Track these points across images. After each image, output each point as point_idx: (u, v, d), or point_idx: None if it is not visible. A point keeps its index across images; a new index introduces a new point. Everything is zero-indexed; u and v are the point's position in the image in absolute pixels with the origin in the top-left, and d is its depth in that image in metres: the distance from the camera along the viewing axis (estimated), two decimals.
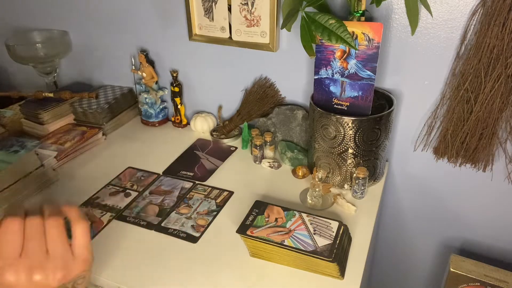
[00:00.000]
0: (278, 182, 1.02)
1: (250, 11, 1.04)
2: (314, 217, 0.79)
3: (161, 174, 1.06)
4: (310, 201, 0.93)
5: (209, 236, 0.85)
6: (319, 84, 0.94)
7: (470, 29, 0.87)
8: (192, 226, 0.88)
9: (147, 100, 1.27)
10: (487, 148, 0.94)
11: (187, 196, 0.97)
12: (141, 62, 1.22)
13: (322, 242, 0.73)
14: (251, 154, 1.12)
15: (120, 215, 0.91)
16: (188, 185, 1.01)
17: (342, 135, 0.90)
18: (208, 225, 0.88)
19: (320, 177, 0.91)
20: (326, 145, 0.94)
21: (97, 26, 1.30)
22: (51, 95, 1.25)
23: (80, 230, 0.49)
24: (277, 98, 1.14)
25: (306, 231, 0.76)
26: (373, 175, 0.98)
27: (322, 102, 0.95)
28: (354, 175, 0.93)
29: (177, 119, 1.29)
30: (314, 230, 0.76)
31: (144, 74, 1.23)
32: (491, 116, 0.89)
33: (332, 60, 0.89)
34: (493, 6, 0.80)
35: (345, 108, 0.93)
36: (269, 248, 0.76)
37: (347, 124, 0.88)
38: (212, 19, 1.10)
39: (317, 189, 0.92)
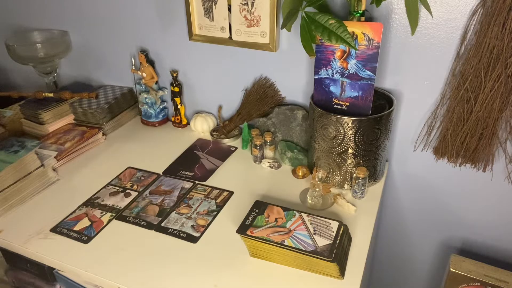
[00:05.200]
0: (278, 182, 1.02)
1: (250, 11, 1.04)
2: (314, 217, 0.79)
3: (161, 174, 1.06)
4: (310, 201, 0.93)
5: (209, 236, 0.85)
6: (319, 84, 0.94)
7: (470, 29, 0.87)
8: (192, 226, 0.88)
9: (147, 100, 1.27)
10: (487, 148, 0.94)
11: (187, 196, 0.97)
12: (141, 62, 1.22)
13: (322, 242, 0.73)
14: (251, 154, 1.12)
15: (120, 215, 0.91)
16: (188, 185, 1.01)
17: (342, 135, 0.90)
18: (208, 225, 0.88)
19: (320, 177, 0.91)
20: (326, 145, 0.94)
21: (97, 26, 1.30)
22: (51, 95, 1.25)
23: None
24: (277, 98, 1.14)
25: (306, 231, 0.76)
26: (373, 175, 0.98)
27: (322, 102, 0.95)
28: (354, 175, 0.93)
29: (177, 119, 1.29)
30: (314, 230, 0.76)
31: (144, 74, 1.23)
32: (491, 116, 0.89)
33: (332, 60, 0.89)
34: (493, 6, 0.80)
35: (345, 108, 0.93)
36: (269, 248, 0.76)
37: (347, 124, 0.88)
38: (212, 19, 1.10)
39: (317, 189, 0.92)
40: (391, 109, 0.91)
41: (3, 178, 0.91)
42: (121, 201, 0.96)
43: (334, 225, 0.77)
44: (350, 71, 0.88)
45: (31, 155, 0.97)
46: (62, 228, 0.88)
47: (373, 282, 1.38)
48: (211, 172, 1.06)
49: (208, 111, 1.29)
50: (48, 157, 1.04)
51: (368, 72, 0.86)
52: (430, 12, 0.89)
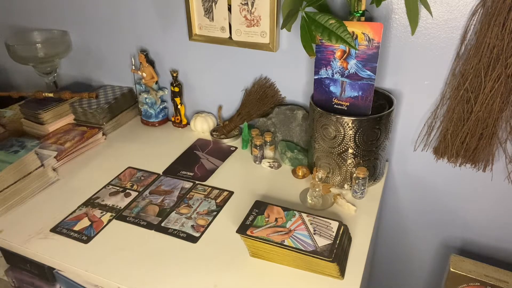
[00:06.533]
0: (278, 182, 1.02)
1: (250, 11, 1.04)
2: (314, 217, 0.79)
3: (161, 174, 1.06)
4: (310, 201, 0.93)
5: (209, 236, 0.85)
6: (319, 84, 0.94)
7: (470, 29, 0.87)
8: (192, 226, 0.88)
9: (147, 100, 1.27)
10: (487, 148, 0.94)
11: (187, 196, 0.97)
12: (141, 62, 1.22)
13: (322, 242, 0.73)
14: (251, 154, 1.12)
15: (120, 215, 0.91)
16: (188, 185, 1.01)
17: (342, 135, 0.90)
18: (208, 225, 0.88)
19: (320, 177, 0.91)
20: (326, 145, 0.94)
21: (97, 26, 1.30)
22: (51, 95, 1.25)
23: None
24: (277, 98, 1.14)
25: (306, 231, 0.76)
26: (373, 175, 0.98)
27: (322, 102, 0.95)
28: (354, 175, 0.93)
29: (177, 119, 1.29)
30: (314, 230, 0.76)
31: (144, 74, 1.23)
32: (491, 116, 0.89)
33: (332, 60, 0.89)
34: (493, 6, 0.80)
35: (345, 108, 0.93)
36: (269, 248, 0.76)
37: (347, 124, 0.88)
38: (212, 19, 1.10)
39: (317, 189, 0.92)
40: (391, 109, 0.91)
41: (3, 178, 0.91)
42: (121, 201, 0.96)
43: (334, 225, 0.77)
44: (350, 71, 0.88)
45: (31, 155, 0.97)
46: (62, 228, 0.88)
47: (373, 282, 1.38)
48: (211, 172, 1.06)
49: (208, 111, 1.29)
50: (48, 157, 1.04)
51: (368, 72, 0.86)
52: (430, 12, 0.89)
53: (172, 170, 1.07)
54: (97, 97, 1.28)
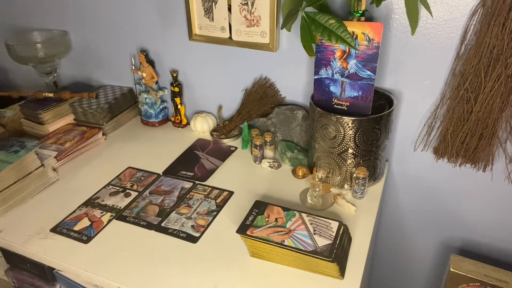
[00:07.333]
0: (278, 182, 1.02)
1: (250, 11, 1.04)
2: (314, 217, 0.79)
3: (161, 174, 1.06)
4: (310, 201, 0.93)
5: (209, 236, 0.85)
6: (319, 84, 0.94)
7: (470, 29, 0.87)
8: (192, 226, 0.88)
9: (147, 100, 1.27)
10: (487, 148, 0.94)
11: (187, 196, 0.97)
12: (141, 62, 1.22)
13: (322, 242, 0.73)
14: (251, 154, 1.12)
15: (120, 215, 0.91)
16: (188, 185, 1.01)
17: (342, 135, 0.90)
18: (208, 225, 0.88)
19: (320, 177, 0.91)
20: (326, 145, 0.94)
21: (97, 26, 1.30)
22: (51, 95, 1.25)
23: None
24: (277, 98, 1.14)
25: (306, 231, 0.76)
26: (373, 175, 0.98)
27: (322, 102, 0.95)
28: (354, 175, 0.93)
29: (177, 119, 1.29)
30: (314, 230, 0.76)
31: (144, 74, 1.23)
32: (491, 116, 0.89)
33: (332, 60, 0.89)
34: (493, 6, 0.80)
35: (345, 108, 0.93)
36: (269, 248, 0.76)
37: (347, 124, 0.88)
38: (212, 19, 1.10)
39: (317, 189, 0.92)
40: (391, 109, 0.91)
41: (3, 178, 0.91)
42: (121, 201, 0.96)
43: (334, 225, 0.77)
44: (350, 71, 0.88)
45: (31, 155, 0.97)
46: (62, 228, 0.88)
47: (373, 282, 1.38)
48: (211, 172, 1.06)
49: (208, 111, 1.29)
50: (48, 157, 1.04)
51: (368, 72, 0.86)
52: (430, 12, 0.89)
53: (172, 170, 1.07)
54: (97, 97, 1.28)
